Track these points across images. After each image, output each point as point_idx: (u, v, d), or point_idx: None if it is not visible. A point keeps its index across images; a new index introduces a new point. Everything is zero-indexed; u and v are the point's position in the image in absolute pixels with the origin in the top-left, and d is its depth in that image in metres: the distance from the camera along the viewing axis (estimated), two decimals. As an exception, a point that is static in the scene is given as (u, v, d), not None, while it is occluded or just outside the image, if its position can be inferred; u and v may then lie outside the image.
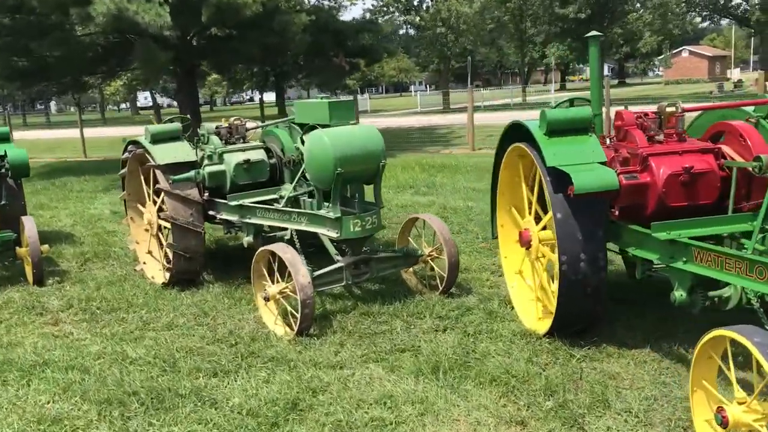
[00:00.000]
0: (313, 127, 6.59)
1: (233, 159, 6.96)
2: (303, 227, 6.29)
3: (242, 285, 7.16)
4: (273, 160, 7.23)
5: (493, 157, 6.09)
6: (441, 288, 6.37)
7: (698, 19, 47.20)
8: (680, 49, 71.00)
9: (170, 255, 7.26)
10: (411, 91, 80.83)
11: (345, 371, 4.89)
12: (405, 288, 6.68)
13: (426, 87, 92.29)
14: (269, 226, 6.92)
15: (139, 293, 7.08)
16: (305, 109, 6.73)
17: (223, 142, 7.23)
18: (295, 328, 5.57)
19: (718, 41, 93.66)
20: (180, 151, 7.03)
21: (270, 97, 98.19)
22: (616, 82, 56.40)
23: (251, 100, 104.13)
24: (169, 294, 7.02)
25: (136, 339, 5.80)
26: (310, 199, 6.72)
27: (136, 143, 7.43)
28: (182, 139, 7.20)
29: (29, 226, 7.64)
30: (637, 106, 5.62)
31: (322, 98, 6.57)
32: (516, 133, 5.54)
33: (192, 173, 6.89)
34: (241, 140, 7.33)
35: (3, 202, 8.39)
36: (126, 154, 7.64)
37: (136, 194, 7.95)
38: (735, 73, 72.83)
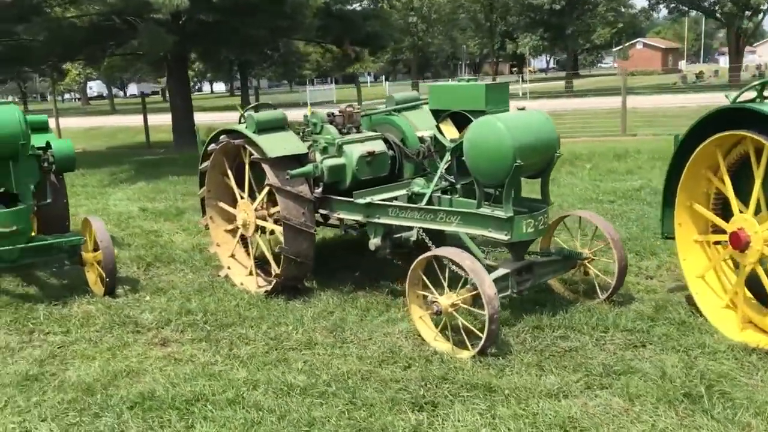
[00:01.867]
0: (458, 114, 5.83)
1: (355, 151, 6.11)
2: (452, 228, 5.52)
3: (353, 291, 6.36)
4: (391, 152, 6.41)
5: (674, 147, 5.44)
6: (605, 295, 5.69)
7: (664, 11, 47.60)
8: (635, 41, 71.99)
9: (271, 259, 6.42)
10: (367, 83, 79.68)
11: (573, 401, 4.17)
12: (556, 295, 5.98)
13: (375, 78, 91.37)
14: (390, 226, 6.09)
15: (243, 304, 6.19)
16: (447, 93, 5.92)
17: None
18: (470, 346, 4.82)
19: (665, 34, 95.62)
20: (290, 143, 6.15)
21: (218, 87, 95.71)
22: (564, 74, 56.53)
23: (199, 90, 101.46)
24: (277, 304, 6.16)
25: (281, 362, 4.94)
26: (447, 196, 5.95)
27: (230, 132, 6.50)
28: (288, 129, 6.32)
29: (99, 228, 6.62)
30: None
31: (468, 80, 5.79)
32: (726, 119, 4.89)
33: (310, 167, 6.03)
34: (354, 130, 6.47)
35: (47, 201, 7.24)
36: (212, 146, 6.69)
37: (217, 191, 7.02)
38: (683, 65, 74.56)
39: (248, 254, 7.03)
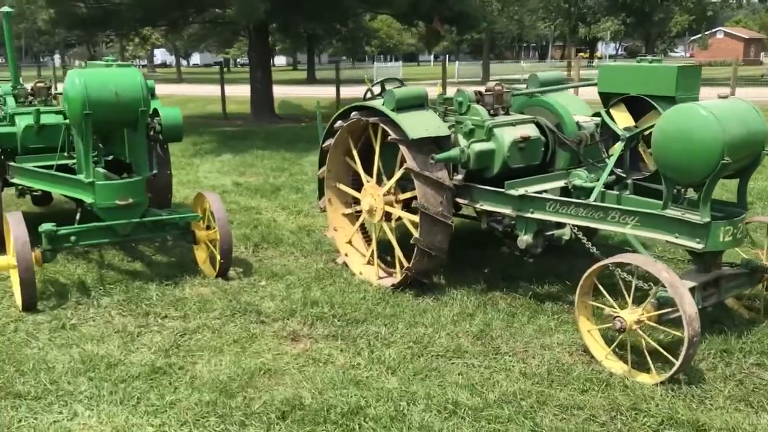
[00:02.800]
0: (637, 99, 5.11)
1: (506, 135, 5.45)
2: (626, 230, 4.81)
3: (488, 291, 5.73)
4: (543, 139, 5.73)
5: None
6: (793, 316, 4.94)
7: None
8: (715, 30, 68.85)
9: (398, 249, 5.82)
10: (430, 62, 78.42)
11: (807, 450, 3.48)
12: (732, 311, 5.23)
13: (435, 57, 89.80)
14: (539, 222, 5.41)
15: (370, 297, 5.63)
16: (623, 75, 5.19)
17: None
18: (654, 370, 4.15)
19: (745, 23, 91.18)
20: (432, 124, 5.53)
21: (278, 60, 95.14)
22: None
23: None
24: (407, 300, 5.58)
25: (432, 371, 4.35)
26: (613, 192, 5.26)
27: (362, 109, 5.91)
28: (427, 107, 5.69)
29: (217, 205, 6.12)
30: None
31: (651, 60, 5.05)
32: None
33: (456, 152, 5.40)
34: (503, 112, 5.80)
35: (153, 172, 6.74)
36: (339, 122, 6.11)
37: (337, 172, 6.46)
38: (764, 57, 70.95)
39: (367, 241, 6.48)
